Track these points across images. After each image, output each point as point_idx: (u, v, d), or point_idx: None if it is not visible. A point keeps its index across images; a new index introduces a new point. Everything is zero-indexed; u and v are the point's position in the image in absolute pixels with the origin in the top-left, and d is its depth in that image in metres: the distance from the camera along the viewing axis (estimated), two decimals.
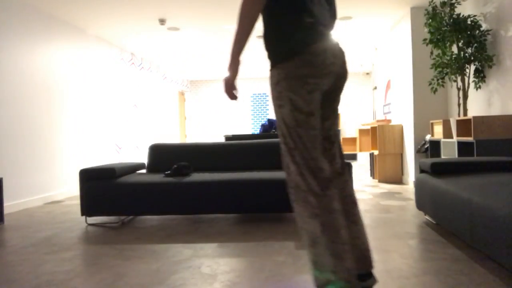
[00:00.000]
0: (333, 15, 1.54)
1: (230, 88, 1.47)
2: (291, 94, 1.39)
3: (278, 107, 1.43)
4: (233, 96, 1.48)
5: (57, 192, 4.98)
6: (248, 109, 10.97)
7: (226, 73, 1.42)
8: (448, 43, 4.01)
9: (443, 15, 3.99)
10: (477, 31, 3.89)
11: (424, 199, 2.91)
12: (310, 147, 1.40)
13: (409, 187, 5.08)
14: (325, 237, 1.35)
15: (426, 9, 4.11)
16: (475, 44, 3.89)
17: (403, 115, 5.56)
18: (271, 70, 1.46)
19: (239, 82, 10.96)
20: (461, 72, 3.96)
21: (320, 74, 1.40)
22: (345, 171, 1.59)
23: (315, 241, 1.37)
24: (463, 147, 3.74)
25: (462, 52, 3.93)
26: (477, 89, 4.13)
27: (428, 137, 4.77)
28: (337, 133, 1.62)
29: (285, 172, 1.46)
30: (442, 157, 4.16)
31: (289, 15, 1.38)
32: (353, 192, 1.61)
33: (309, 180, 1.38)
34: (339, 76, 1.51)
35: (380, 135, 5.63)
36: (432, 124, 4.58)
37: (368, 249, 1.56)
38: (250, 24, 1.37)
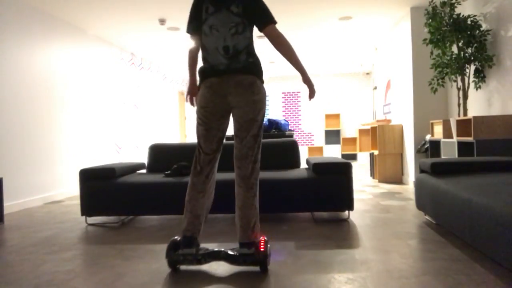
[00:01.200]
0: (231, 57, 2.11)
1: (188, 99, 2.35)
2: (196, 111, 2.19)
3: None
4: (191, 103, 2.35)
5: (57, 192, 4.98)
6: None
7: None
8: (448, 43, 4.01)
9: (443, 15, 3.99)
10: (477, 31, 3.89)
11: (424, 199, 2.91)
12: (200, 142, 2.17)
13: (409, 187, 5.08)
14: (187, 200, 2.16)
15: (426, 9, 4.11)
16: (475, 44, 3.89)
17: (403, 115, 5.56)
18: None
19: None
20: (461, 72, 3.96)
21: (207, 99, 2.12)
22: (242, 158, 2.15)
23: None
24: (463, 147, 3.74)
25: (462, 52, 3.93)
26: (477, 89, 4.13)
27: (428, 137, 4.77)
28: (244, 135, 2.13)
29: None
30: (442, 157, 4.16)
31: (201, 62, 2.21)
32: (242, 180, 2.13)
33: (195, 162, 2.17)
34: (231, 97, 2.10)
35: (380, 135, 5.63)
36: (432, 124, 4.58)
37: (242, 227, 2.11)
38: (189, 64, 2.30)
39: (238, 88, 2.09)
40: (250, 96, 2.10)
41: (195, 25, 2.17)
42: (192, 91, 2.34)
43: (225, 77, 2.10)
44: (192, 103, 2.35)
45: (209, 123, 2.15)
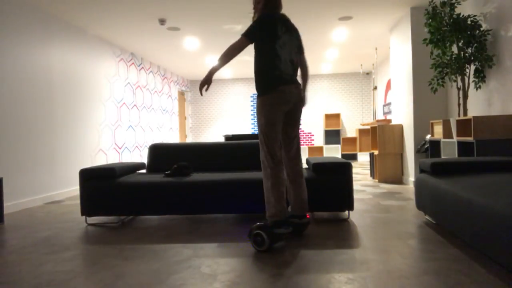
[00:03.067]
0: (295, 69, 2.69)
1: (201, 87, 2.54)
2: (266, 112, 2.50)
3: (258, 118, 2.57)
4: (201, 92, 2.63)
5: (57, 192, 4.98)
6: (248, 109, 10.97)
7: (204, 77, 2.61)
8: (448, 43, 4.00)
9: (443, 15, 3.99)
10: (477, 31, 3.89)
11: (424, 199, 2.91)
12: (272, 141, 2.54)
13: (409, 187, 5.08)
14: (273, 189, 2.48)
15: (426, 9, 4.11)
16: (475, 44, 3.89)
17: (403, 115, 5.56)
18: (257, 97, 2.59)
19: (239, 82, 10.96)
20: (461, 72, 3.96)
21: (281, 102, 2.52)
22: (296, 157, 2.71)
23: (268, 191, 2.51)
24: (463, 147, 3.74)
25: (462, 52, 3.93)
26: (477, 89, 4.13)
27: (428, 137, 4.77)
28: (297, 135, 2.72)
29: (260, 154, 2.61)
30: (442, 157, 4.16)
31: (269, 69, 2.54)
32: (300, 168, 2.70)
33: (269, 159, 2.51)
34: (296, 102, 2.64)
35: (380, 135, 5.63)
36: (432, 124, 4.58)
37: (303, 201, 2.70)
38: (227, 61, 2.52)
39: (299, 96, 2.70)
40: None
41: None
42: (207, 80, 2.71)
43: (287, 85, 2.62)
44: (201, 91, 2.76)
45: (279, 125, 2.78)
